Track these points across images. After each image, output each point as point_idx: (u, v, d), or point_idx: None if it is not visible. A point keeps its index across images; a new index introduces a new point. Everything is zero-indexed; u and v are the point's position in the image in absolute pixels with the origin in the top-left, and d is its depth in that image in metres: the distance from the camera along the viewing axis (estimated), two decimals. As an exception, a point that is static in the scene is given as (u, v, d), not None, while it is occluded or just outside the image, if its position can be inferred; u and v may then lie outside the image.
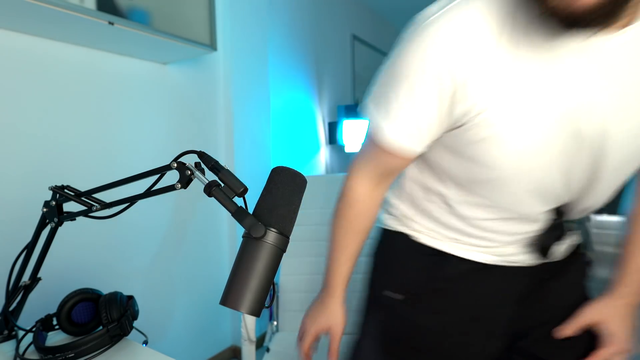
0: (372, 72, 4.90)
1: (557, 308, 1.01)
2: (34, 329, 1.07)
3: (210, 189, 0.75)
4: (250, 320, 1.75)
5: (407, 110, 0.79)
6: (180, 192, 2.23)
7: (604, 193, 0.86)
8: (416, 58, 0.75)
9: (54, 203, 0.99)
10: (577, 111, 0.71)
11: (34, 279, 1.08)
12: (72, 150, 1.74)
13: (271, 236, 0.70)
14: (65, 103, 1.72)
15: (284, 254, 0.73)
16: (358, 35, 4.69)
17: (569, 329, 0.97)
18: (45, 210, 1.01)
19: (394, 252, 1.06)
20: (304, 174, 0.77)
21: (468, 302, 0.96)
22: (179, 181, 0.81)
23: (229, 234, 2.57)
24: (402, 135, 0.81)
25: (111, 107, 1.90)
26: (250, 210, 0.74)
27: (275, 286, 2.06)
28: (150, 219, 2.09)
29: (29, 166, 1.60)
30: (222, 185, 0.76)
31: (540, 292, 0.99)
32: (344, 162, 4.44)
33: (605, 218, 6.04)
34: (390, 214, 1.07)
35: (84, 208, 0.96)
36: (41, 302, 1.42)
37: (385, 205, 1.09)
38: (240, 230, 2.53)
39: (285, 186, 0.74)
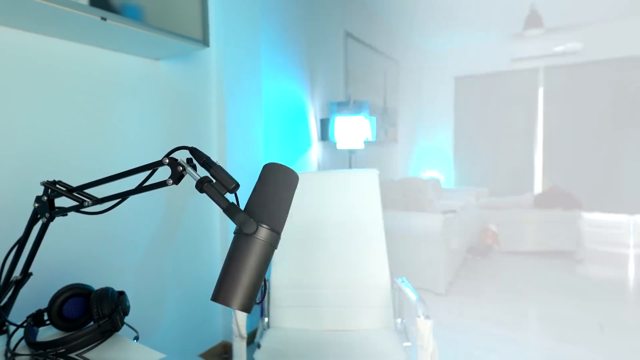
0: (364, 69, 4.91)
1: None
2: (24, 324, 1.07)
3: (201, 185, 0.76)
4: (241, 317, 1.75)
5: None
6: (172, 188, 2.23)
7: None
8: None
9: (45, 198, 0.99)
10: None
11: (25, 274, 1.08)
12: (63, 146, 1.74)
13: (262, 232, 0.71)
14: (57, 98, 1.72)
15: (275, 250, 0.74)
16: (351, 32, 4.69)
17: None
18: (36, 205, 1.01)
19: None
20: (295, 171, 0.77)
21: None
22: (170, 177, 0.81)
23: (220, 230, 2.57)
24: None
25: (103, 103, 1.89)
26: (242, 206, 0.74)
27: (267, 282, 2.06)
28: (142, 215, 2.09)
29: (20, 161, 1.59)
30: (214, 181, 0.77)
31: None
32: (335, 158, 4.44)
33: (596, 216, 6.09)
34: None
35: (75, 203, 0.96)
36: (33, 297, 1.42)
37: None
38: (232, 226, 2.54)
39: (277, 183, 0.75)
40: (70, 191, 0.97)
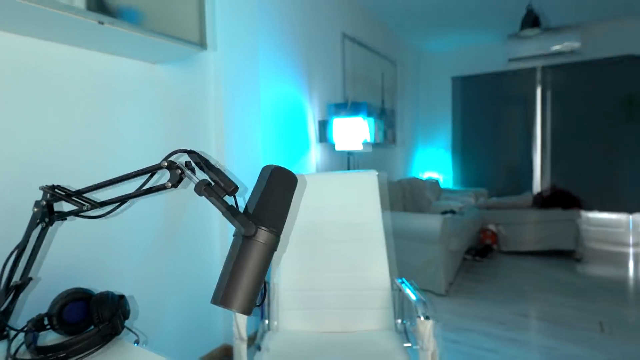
0: (362, 71, 4.91)
1: None
2: (25, 329, 1.06)
3: (200, 188, 0.76)
4: (241, 319, 1.75)
5: None
6: (171, 191, 2.23)
7: None
8: None
9: (44, 203, 0.99)
10: None
11: (25, 279, 1.08)
12: (62, 150, 1.74)
13: (262, 235, 0.71)
14: (55, 102, 1.72)
15: (275, 252, 0.74)
16: (348, 33, 4.69)
17: None
18: (35, 210, 1.01)
19: None
20: (294, 173, 0.77)
21: None
22: (169, 180, 0.81)
23: (220, 232, 2.57)
24: None
25: (101, 107, 1.89)
26: (241, 208, 0.74)
27: (267, 284, 2.06)
28: (142, 218, 2.09)
29: (19, 166, 1.59)
30: (213, 184, 0.77)
31: None
32: (334, 160, 4.44)
33: (596, 215, 6.09)
34: None
35: (74, 208, 0.96)
36: (34, 302, 1.41)
37: None
38: (231, 228, 2.54)
39: (276, 185, 0.75)
40: (69, 195, 0.97)
